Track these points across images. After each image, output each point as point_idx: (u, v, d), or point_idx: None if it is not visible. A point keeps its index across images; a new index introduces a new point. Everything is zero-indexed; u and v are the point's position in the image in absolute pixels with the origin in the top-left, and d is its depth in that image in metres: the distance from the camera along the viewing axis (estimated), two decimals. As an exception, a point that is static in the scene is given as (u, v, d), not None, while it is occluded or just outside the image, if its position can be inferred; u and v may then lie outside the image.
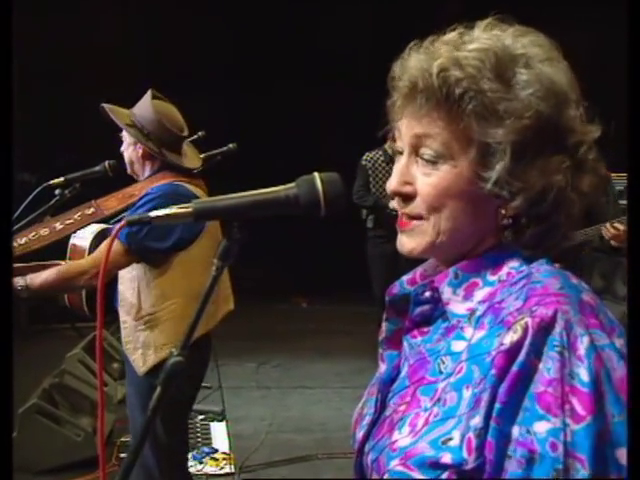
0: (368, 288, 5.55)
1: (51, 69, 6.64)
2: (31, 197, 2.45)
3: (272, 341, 6.24)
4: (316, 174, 1.01)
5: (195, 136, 3.03)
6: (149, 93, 2.65)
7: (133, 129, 2.60)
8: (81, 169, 2.61)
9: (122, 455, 3.85)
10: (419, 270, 1.06)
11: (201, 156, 2.95)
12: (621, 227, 3.95)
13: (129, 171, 2.73)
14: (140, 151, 2.64)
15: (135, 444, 1.02)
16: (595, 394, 0.80)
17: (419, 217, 0.95)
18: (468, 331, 0.91)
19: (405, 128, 0.95)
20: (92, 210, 2.50)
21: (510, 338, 0.83)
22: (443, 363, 0.92)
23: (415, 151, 0.95)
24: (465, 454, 0.83)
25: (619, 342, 0.85)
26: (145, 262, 2.56)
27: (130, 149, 2.68)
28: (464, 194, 0.92)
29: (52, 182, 2.53)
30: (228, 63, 7.78)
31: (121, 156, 2.72)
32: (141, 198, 2.52)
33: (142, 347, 2.61)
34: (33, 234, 2.42)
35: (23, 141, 6.45)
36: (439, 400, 0.89)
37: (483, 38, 0.92)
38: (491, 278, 0.94)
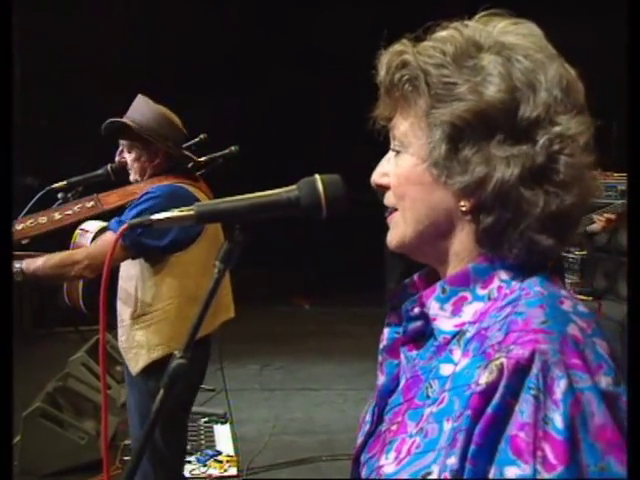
0: (370, 289, 5.55)
1: (54, 72, 6.65)
2: (34, 200, 2.46)
3: (275, 343, 6.24)
4: (317, 176, 1.01)
5: (197, 139, 3.03)
6: (144, 97, 2.64)
7: (154, 135, 2.58)
8: (84, 172, 2.62)
9: (125, 458, 3.85)
10: (418, 274, 1.05)
11: (203, 159, 2.96)
12: (613, 217, 3.94)
13: (135, 178, 2.69)
14: (158, 160, 2.63)
15: (137, 447, 1.02)
16: (569, 442, 0.76)
17: (394, 209, 0.96)
18: (456, 354, 0.88)
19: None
20: (92, 204, 2.51)
21: (485, 378, 0.79)
22: (431, 387, 0.89)
23: (392, 142, 0.96)
24: None
25: (605, 381, 0.79)
26: (141, 259, 2.56)
27: (142, 159, 2.65)
28: (418, 182, 0.91)
29: (55, 185, 2.54)
30: (230, 65, 7.79)
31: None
32: (141, 196, 2.51)
33: (136, 347, 2.60)
34: (31, 221, 2.43)
35: (26, 144, 6.48)
36: (422, 430, 0.86)
37: (453, 29, 0.91)
38: (481, 292, 0.90)
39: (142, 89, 2.74)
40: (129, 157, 2.67)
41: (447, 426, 0.83)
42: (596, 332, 0.84)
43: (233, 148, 3.24)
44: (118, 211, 2.58)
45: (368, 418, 1.01)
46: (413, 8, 6.47)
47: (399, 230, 0.96)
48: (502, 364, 0.79)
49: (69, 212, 2.49)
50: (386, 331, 1.04)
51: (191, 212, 1.01)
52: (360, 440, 1.01)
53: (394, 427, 0.94)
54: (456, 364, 0.87)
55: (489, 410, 0.78)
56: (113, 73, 6.98)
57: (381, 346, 1.04)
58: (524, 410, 0.77)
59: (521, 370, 0.78)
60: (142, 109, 2.63)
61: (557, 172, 0.86)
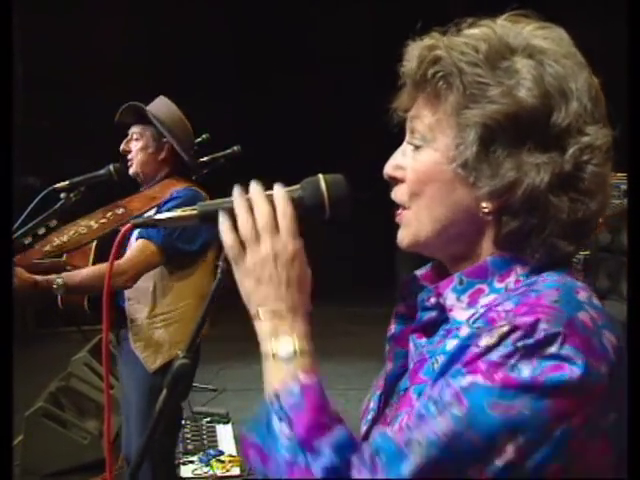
0: (372, 289, 5.55)
1: (55, 73, 6.66)
2: (36, 201, 2.46)
3: (277, 343, 6.23)
4: (320, 176, 1.00)
5: (199, 139, 3.03)
6: (166, 98, 2.70)
7: (166, 129, 2.64)
8: (86, 173, 2.62)
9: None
10: (432, 266, 1.04)
11: (205, 159, 2.98)
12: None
13: (135, 171, 2.72)
14: (163, 154, 2.68)
15: (142, 446, 1.03)
16: (526, 385, 0.78)
17: (405, 206, 0.95)
18: (464, 331, 0.89)
19: (409, 113, 0.96)
20: (122, 210, 2.57)
21: (486, 341, 0.80)
22: (437, 362, 0.90)
23: (410, 135, 0.95)
24: None
25: (604, 369, 0.80)
26: (171, 263, 2.60)
27: (149, 150, 2.69)
28: (440, 180, 0.91)
29: (57, 186, 2.53)
30: (231, 66, 7.80)
31: (127, 160, 2.72)
32: (167, 201, 2.57)
33: (154, 345, 2.64)
34: (73, 232, 2.50)
35: (28, 145, 6.48)
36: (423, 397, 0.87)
37: (485, 26, 0.91)
38: (498, 285, 0.91)
39: (143, 90, 2.74)
40: (136, 145, 2.69)
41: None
42: (607, 325, 0.84)
43: (235, 148, 3.24)
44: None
45: (373, 405, 1.02)
46: (414, 11, 6.47)
47: (412, 229, 0.95)
48: (505, 330, 0.80)
49: (104, 220, 2.55)
50: (394, 320, 1.04)
51: (194, 212, 1.01)
52: (364, 428, 1.01)
53: (397, 405, 0.95)
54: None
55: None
56: (114, 74, 6.98)
57: (389, 335, 1.04)
58: (502, 354, 0.79)
59: (520, 332, 0.79)
60: (161, 106, 2.68)
61: (583, 180, 0.87)
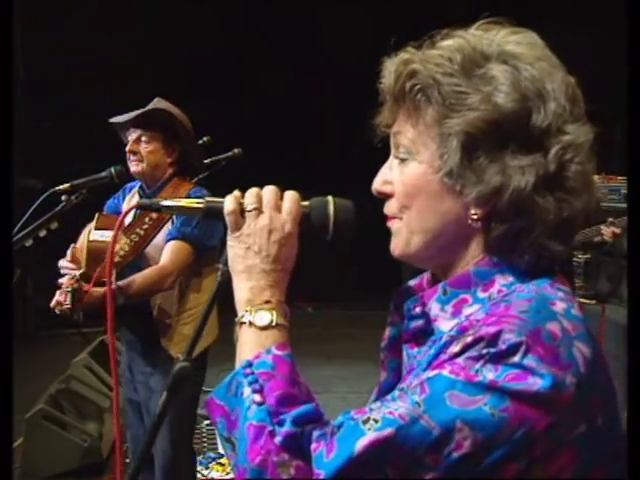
0: (373, 292, 5.54)
1: (57, 75, 6.67)
2: (37, 203, 2.46)
3: (278, 346, 6.23)
4: (330, 198, 1.01)
5: (200, 141, 3.04)
6: (163, 100, 2.72)
7: (185, 130, 2.70)
8: (87, 175, 2.62)
9: (127, 460, 3.85)
10: (426, 275, 1.05)
11: (206, 161, 2.98)
12: (618, 231, 3.93)
13: (142, 170, 2.71)
14: (175, 156, 2.73)
15: (145, 442, 1.03)
16: (487, 389, 0.79)
17: (396, 217, 0.96)
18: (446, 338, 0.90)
19: (392, 129, 0.97)
20: (156, 214, 2.57)
21: (452, 349, 0.83)
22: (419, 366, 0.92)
23: (396, 150, 0.96)
24: None
25: (570, 379, 0.80)
26: (197, 259, 2.67)
27: (160, 153, 2.72)
28: (428, 191, 0.92)
29: (58, 188, 2.53)
30: (233, 68, 7.80)
31: (125, 162, 2.72)
32: None
33: (183, 340, 2.67)
34: (125, 241, 2.58)
35: (29, 147, 6.49)
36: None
37: (458, 37, 0.92)
38: (482, 295, 0.91)
39: (145, 92, 2.75)
40: (147, 148, 2.70)
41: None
42: (581, 336, 0.84)
43: (236, 150, 3.24)
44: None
45: None
46: (416, 13, 6.49)
47: (402, 239, 0.96)
48: (467, 341, 0.81)
49: (146, 226, 2.63)
50: (388, 330, 1.05)
51: (200, 205, 1.02)
52: None
53: None
54: None
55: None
56: (116, 76, 6.99)
57: (383, 345, 1.05)
58: (467, 357, 0.81)
59: (483, 342, 0.81)
60: (173, 109, 2.71)
61: (567, 179, 0.88)
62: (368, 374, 5.17)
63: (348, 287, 7.29)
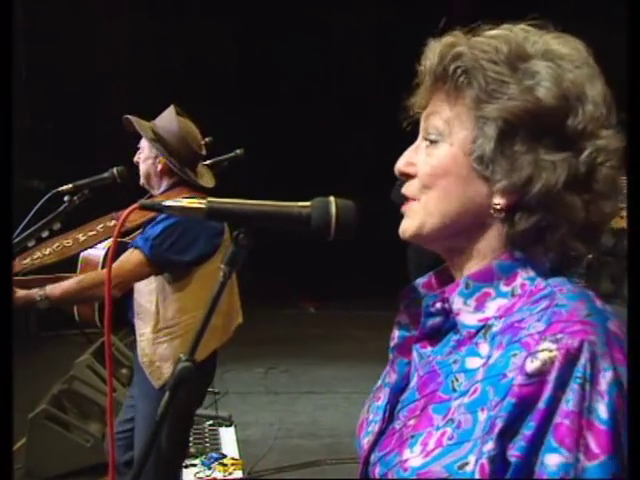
0: (376, 292, 5.54)
1: (60, 76, 6.67)
2: (40, 204, 2.46)
3: (280, 346, 6.24)
4: (332, 199, 1.01)
5: (202, 142, 3.03)
6: (173, 109, 2.66)
7: (158, 144, 2.61)
8: (90, 176, 2.62)
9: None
10: (435, 274, 1.04)
11: (208, 162, 2.97)
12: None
13: (142, 182, 2.73)
14: (160, 166, 2.66)
15: (144, 449, 1.03)
16: (613, 433, 0.78)
17: (414, 199, 0.95)
18: (483, 348, 0.89)
19: (426, 110, 0.96)
20: (114, 222, 2.52)
21: (532, 366, 0.80)
22: (457, 380, 0.89)
23: (425, 132, 0.96)
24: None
25: None
26: (167, 275, 2.58)
27: (149, 162, 2.69)
28: (455, 174, 0.91)
29: (61, 189, 2.54)
30: (236, 69, 7.81)
31: (132, 164, 2.72)
32: (158, 218, 2.53)
33: (160, 360, 2.62)
34: (57, 245, 2.46)
35: (32, 147, 6.50)
36: (452, 421, 0.86)
37: (505, 29, 0.92)
38: (504, 289, 0.91)
39: (148, 93, 2.75)
40: (139, 158, 2.71)
41: (482, 416, 0.83)
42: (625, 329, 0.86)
43: (238, 151, 3.24)
44: (139, 228, 2.60)
45: (375, 417, 1.00)
46: (418, 15, 6.49)
47: (417, 220, 0.95)
48: (553, 354, 0.80)
49: (93, 233, 2.51)
50: (396, 329, 1.03)
51: (202, 206, 1.02)
52: (368, 439, 0.99)
53: (412, 422, 0.93)
54: (484, 357, 0.88)
55: (541, 405, 0.80)
56: (120, 77, 7.00)
57: (392, 345, 1.04)
58: (570, 399, 0.79)
59: (571, 360, 0.79)
60: (164, 116, 2.67)
61: (597, 182, 0.89)
62: (371, 374, 5.15)
63: (351, 288, 7.28)
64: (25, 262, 2.41)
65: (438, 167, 0.92)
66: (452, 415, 0.87)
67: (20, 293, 2.39)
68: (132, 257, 2.48)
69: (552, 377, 0.79)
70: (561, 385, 0.79)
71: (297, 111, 7.54)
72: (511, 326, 0.87)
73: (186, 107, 2.75)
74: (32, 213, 2.45)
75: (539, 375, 0.80)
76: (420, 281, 1.04)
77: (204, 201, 1.02)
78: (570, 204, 0.88)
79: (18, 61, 6.54)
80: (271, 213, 1.01)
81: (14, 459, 3.73)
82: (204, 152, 2.73)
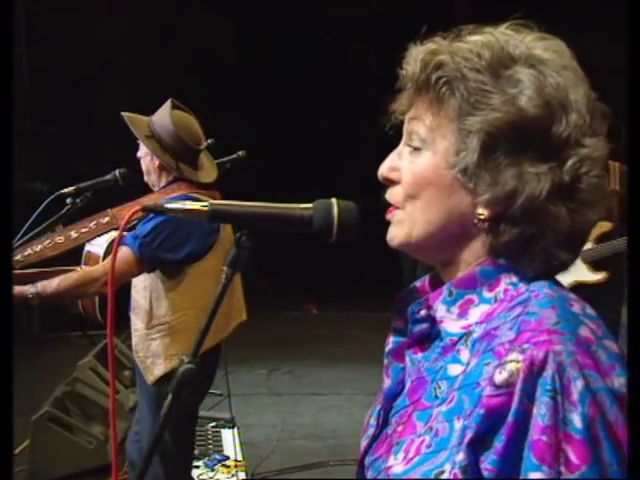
0: (379, 294, 5.54)
1: (62, 78, 6.68)
2: (43, 206, 2.46)
3: (283, 348, 6.24)
4: (334, 200, 1.01)
5: (205, 143, 3.04)
6: (169, 103, 2.65)
7: (150, 141, 2.60)
8: (93, 178, 2.63)
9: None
10: (428, 277, 1.04)
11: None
12: None
13: (146, 179, 2.74)
14: (157, 162, 2.65)
15: (147, 451, 1.03)
16: (590, 442, 0.77)
17: (398, 206, 0.95)
18: (464, 354, 0.89)
19: (408, 114, 0.96)
20: (107, 219, 2.51)
21: (500, 377, 0.80)
22: (439, 387, 0.90)
23: (409, 137, 0.95)
24: None
25: (618, 381, 0.80)
26: (159, 273, 2.58)
27: (147, 159, 2.69)
28: (438, 184, 0.90)
29: (64, 191, 2.54)
30: (238, 69, 7.82)
31: (135, 164, 2.73)
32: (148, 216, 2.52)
33: (152, 356, 2.63)
34: (48, 241, 2.44)
35: (35, 150, 6.51)
36: (431, 429, 0.87)
37: (487, 34, 0.91)
38: (488, 295, 0.90)
39: (151, 94, 2.75)
40: (139, 156, 2.71)
41: (458, 425, 0.83)
42: (606, 334, 0.85)
43: (240, 153, 3.24)
44: (133, 225, 2.59)
45: (373, 421, 1.01)
46: (420, 15, 6.49)
47: (403, 228, 0.94)
48: (519, 365, 0.79)
49: (85, 230, 2.49)
50: (392, 335, 1.03)
51: (205, 208, 1.02)
52: (364, 443, 1.01)
53: (400, 428, 0.94)
54: (465, 364, 0.87)
55: (510, 419, 0.79)
56: (122, 79, 7.01)
57: (387, 350, 1.04)
58: (543, 413, 0.78)
59: (536, 371, 0.79)
60: (160, 111, 2.66)
61: (581, 191, 0.88)
62: (374, 376, 5.17)
63: (353, 289, 7.28)
64: (17, 258, 2.40)
65: (421, 177, 0.92)
66: (432, 423, 0.87)
67: (14, 289, 2.38)
68: (122, 255, 2.46)
69: (517, 388, 0.79)
70: (527, 397, 0.79)
71: (297, 107, 7.54)
72: (488, 333, 0.86)
73: (189, 107, 2.75)
74: (35, 216, 2.45)
75: (507, 386, 0.80)
76: (415, 285, 1.04)
77: (206, 203, 1.02)
78: (554, 214, 0.87)
79: (20, 62, 6.56)
80: (273, 215, 1.02)
81: (18, 461, 3.74)
82: (203, 145, 2.69)
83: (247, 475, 3.85)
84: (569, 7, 6.68)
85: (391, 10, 7.51)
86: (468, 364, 0.87)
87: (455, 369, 0.88)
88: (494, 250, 0.91)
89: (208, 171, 2.75)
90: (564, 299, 0.87)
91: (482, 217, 0.89)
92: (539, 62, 0.88)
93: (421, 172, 0.92)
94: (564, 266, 0.91)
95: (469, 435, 0.80)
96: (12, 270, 2.30)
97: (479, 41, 0.90)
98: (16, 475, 3.65)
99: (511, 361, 0.80)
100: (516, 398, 0.79)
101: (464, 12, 6.79)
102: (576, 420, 0.77)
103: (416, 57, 0.91)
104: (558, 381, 0.78)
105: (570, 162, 0.87)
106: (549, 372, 0.78)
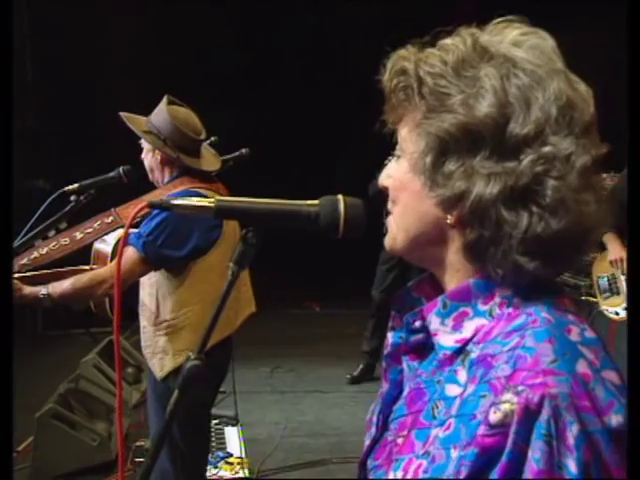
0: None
1: (65, 76, 6.69)
2: (46, 204, 2.47)
3: (286, 345, 6.24)
4: (340, 197, 1.02)
5: (207, 141, 3.04)
6: (165, 99, 2.66)
7: (150, 136, 2.62)
8: (96, 175, 2.63)
9: (137, 460, 3.86)
10: (425, 276, 1.03)
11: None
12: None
13: (150, 178, 2.75)
14: (159, 157, 2.66)
15: (153, 448, 1.03)
16: None
17: (389, 212, 0.97)
18: (462, 375, 0.87)
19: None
20: (111, 219, 2.52)
21: (495, 417, 0.79)
22: (437, 407, 0.89)
23: (397, 145, 0.97)
24: None
25: (616, 419, 0.79)
26: (165, 270, 2.59)
27: (149, 156, 2.70)
28: (410, 189, 0.92)
29: (67, 188, 2.55)
30: (242, 67, 7.82)
31: (140, 163, 2.73)
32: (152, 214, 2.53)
33: (161, 352, 2.64)
34: (54, 243, 2.46)
35: (38, 148, 6.51)
36: (428, 454, 0.86)
37: (460, 36, 0.90)
38: (482, 308, 0.89)
39: (154, 92, 2.75)
40: (146, 159, 2.72)
41: (454, 453, 0.83)
42: (605, 363, 0.83)
43: (244, 151, 3.24)
44: (137, 223, 2.60)
45: (375, 420, 1.02)
46: (423, 14, 6.48)
47: (391, 234, 0.97)
48: (514, 407, 0.79)
49: (90, 230, 2.51)
50: (390, 336, 1.03)
51: (211, 204, 1.03)
52: (367, 444, 1.01)
53: (400, 440, 0.94)
54: (462, 386, 0.87)
55: (504, 459, 0.79)
56: (125, 77, 7.01)
57: (385, 353, 1.03)
58: (538, 458, 0.77)
59: (530, 415, 0.78)
60: (157, 111, 2.67)
61: (543, 194, 0.83)
62: (377, 373, 5.18)
63: (356, 287, 7.28)
64: (23, 262, 2.42)
65: (398, 182, 0.94)
66: (429, 447, 0.87)
67: (27, 290, 2.41)
68: (126, 255, 2.47)
69: (512, 430, 0.78)
70: (522, 439, 0.78)
71: (299, 107, 7.53)
72: (485, 359, 0.85)
73: (192, 107, 2.75)
74: (38, 213, 2.46)
75: (501, 427, 0.79)
76: (412, 284, 1.04)
77: (213, 200, 1.03)
78: (507, 218, 0.84)
79: (23, 61, 6.56)
80: (279, 212, 1.02)
81: (21, 458, 3.76)
82: (202, 135, 2.69)
83: (250, 472, 3.86)
84: (569, 7, 6.66)
85: (391, 10, 7.51)
86: (465, 387, 0.86)
87: (453, 390, 0.88)
88: (464, 254, 0.90)
89: (210, 161, 2.76)
90: (562, 325, 0.84)
91: (449, 221, 0.89)
92: (506, 60, 0.86)
93: (398, 178, 0.94)
94: (539, 275, 0.86)
95: (464, 472, 0.81)
96: (12, 270, 2.31)
97: (448, 45, 0.89)
98: (20, 472, 3.66)
99: (506, 401, 0.79)
100: (510, 439, 0.78)
101: (467, 10, 6.78)
102: (571, 465, 0.77)
103: (388, 65, 0.93)
104: (554, 425, 0.77)
105: (525, 161, 0.83)
106: (545, 416, 0.77)
